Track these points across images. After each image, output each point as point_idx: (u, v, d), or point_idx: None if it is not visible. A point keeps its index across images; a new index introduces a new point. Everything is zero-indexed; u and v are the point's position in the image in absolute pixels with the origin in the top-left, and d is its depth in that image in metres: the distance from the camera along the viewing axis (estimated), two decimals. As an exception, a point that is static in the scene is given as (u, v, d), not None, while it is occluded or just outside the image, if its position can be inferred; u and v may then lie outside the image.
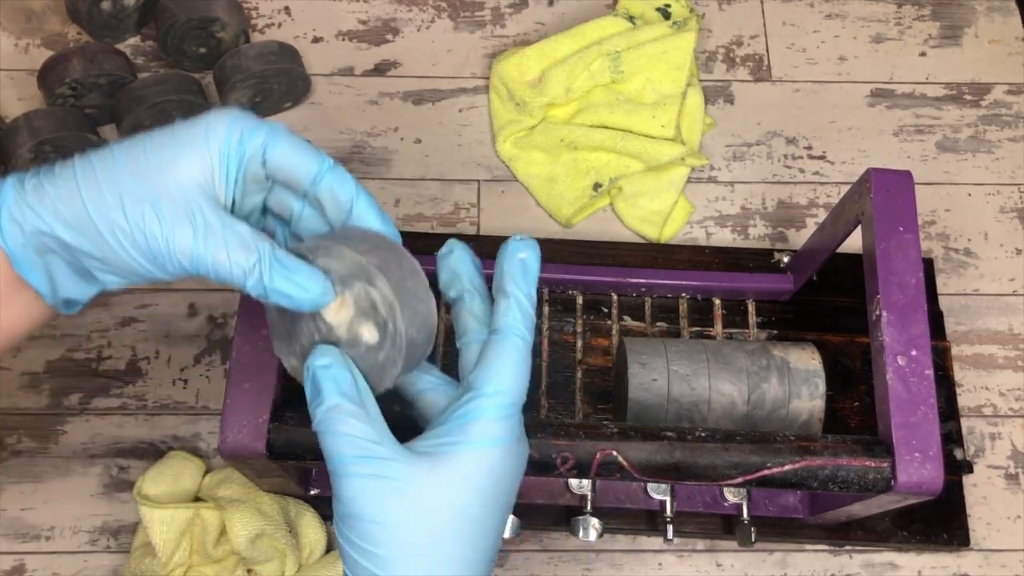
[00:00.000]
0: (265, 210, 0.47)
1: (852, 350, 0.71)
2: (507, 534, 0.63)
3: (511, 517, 0.63)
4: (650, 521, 0.66)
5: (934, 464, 0.51)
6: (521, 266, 0.44)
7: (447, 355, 0.69)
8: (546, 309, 0.72)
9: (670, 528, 0.63)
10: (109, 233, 0.40)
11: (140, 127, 0.74)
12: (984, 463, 0.71)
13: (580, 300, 0.72)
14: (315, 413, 0.41)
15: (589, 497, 0.63)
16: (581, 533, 0.62)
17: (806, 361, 0.63)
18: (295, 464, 0.54)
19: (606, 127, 0.78)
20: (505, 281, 0.44)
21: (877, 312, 0.55)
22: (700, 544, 0.68)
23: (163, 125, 0.41)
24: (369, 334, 0.42)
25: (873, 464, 0.52)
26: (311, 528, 0.65)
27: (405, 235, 0.74)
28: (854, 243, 0.61)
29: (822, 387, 0.62)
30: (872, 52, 0.84)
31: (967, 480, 0.70)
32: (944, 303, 0.75)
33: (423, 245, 0.74)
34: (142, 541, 0.65)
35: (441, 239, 0.75)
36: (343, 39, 0.83)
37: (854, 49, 0.85)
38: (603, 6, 0.86)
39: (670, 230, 0.77)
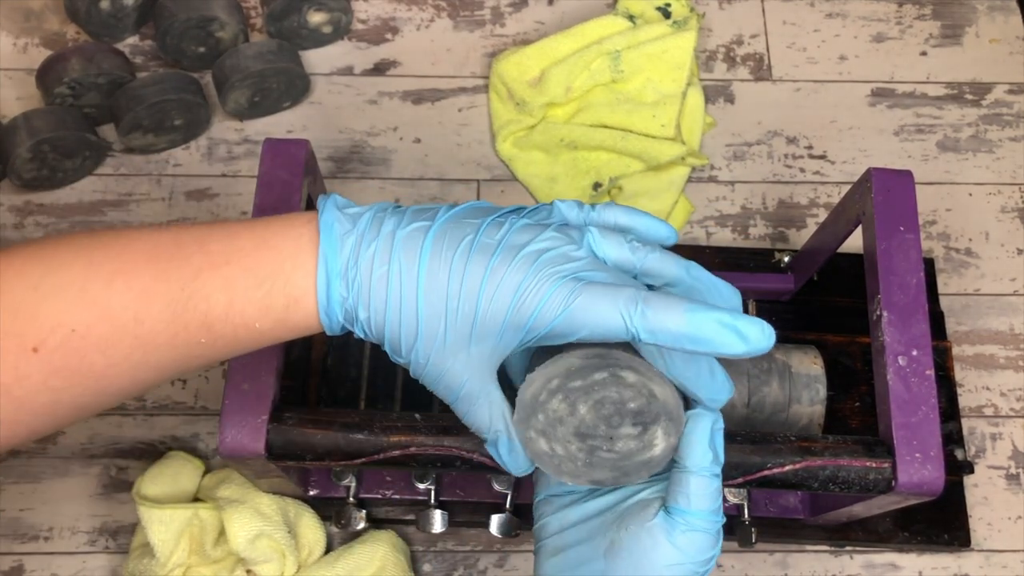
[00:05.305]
0: None
1: (853, 350, 0.71)
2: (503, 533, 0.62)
3: (511, 516, 0.63)
4: (650, 522, 0.66)
5: (935, 464, 0.51)
6: (711, 441, 0.38)
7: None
8: (546, 309, 0.72)
9: (670, 529, 0.63)
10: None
11: (139, 127, 0.74)
12: (985, 463, 0.71)
13: (580, 300, 0.72)
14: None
15: (589, 498, 0.63)
16: (581, 534, 0.62)
17: (808, 365, 0.63)
18: (294, 465, 0.54)
19: (606, 127, 0.77)
20: (687, 456, 0.38)
21: (878, 312, 0.55)
22: (700, 545, 0.68)
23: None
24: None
25: (874, 465, 0.51)
26: (310, 529, 0.65)
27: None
28: (855, 243, 0.61)
29: (823, 392, 0.62)
30: (873, 51, 0.84)
31: (968, 480, 0.69)
32: (945, 303, 0.75)
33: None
34: (141, 541, 0.65)
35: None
36: (342, 38, 0.83)
37: (855, 48, 0.84)
38: (603, 5, 0.85)
39: (670, 230, 0.76)
